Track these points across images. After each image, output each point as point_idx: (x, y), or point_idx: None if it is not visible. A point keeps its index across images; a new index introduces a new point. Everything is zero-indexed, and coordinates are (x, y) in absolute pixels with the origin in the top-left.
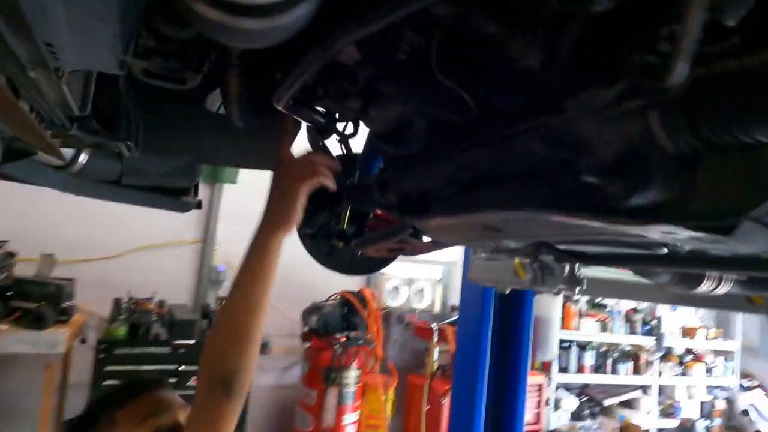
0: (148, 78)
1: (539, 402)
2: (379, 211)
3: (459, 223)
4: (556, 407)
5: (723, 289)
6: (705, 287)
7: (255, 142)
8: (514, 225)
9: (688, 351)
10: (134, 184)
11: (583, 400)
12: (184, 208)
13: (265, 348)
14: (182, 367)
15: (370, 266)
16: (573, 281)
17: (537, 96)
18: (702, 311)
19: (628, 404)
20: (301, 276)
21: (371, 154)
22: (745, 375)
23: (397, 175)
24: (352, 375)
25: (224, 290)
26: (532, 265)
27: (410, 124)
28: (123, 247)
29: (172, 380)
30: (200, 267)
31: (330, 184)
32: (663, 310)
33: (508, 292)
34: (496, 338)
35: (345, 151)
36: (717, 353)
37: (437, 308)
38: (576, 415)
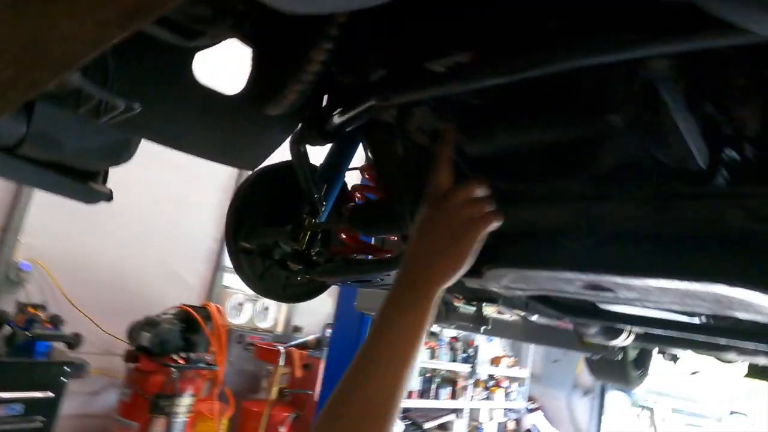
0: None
1: None
2: (343, 235)
3: (550, 276)
4: None
5: (629, 339)
6: (620, 339)
7: (241, 136)
8: (642, 290)
9: (491, 377)
10: (32, 157)
11: (408, 423)
12: (91, 197)
13: (81, 370)
14: None
15: (305, 293)
16: (480, 320)
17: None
18: (505, 341)
19: (443, 427)
20: (132, 284)
21: (338, 166)
22: (530, 398)
23: None
24: (184, 403)
25: (26, 295)
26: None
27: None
28: None
29: None
30: None
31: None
32: (480, 339)
33: None
34: None
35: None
36: (512, 379)
37: (280, 329)
38: None
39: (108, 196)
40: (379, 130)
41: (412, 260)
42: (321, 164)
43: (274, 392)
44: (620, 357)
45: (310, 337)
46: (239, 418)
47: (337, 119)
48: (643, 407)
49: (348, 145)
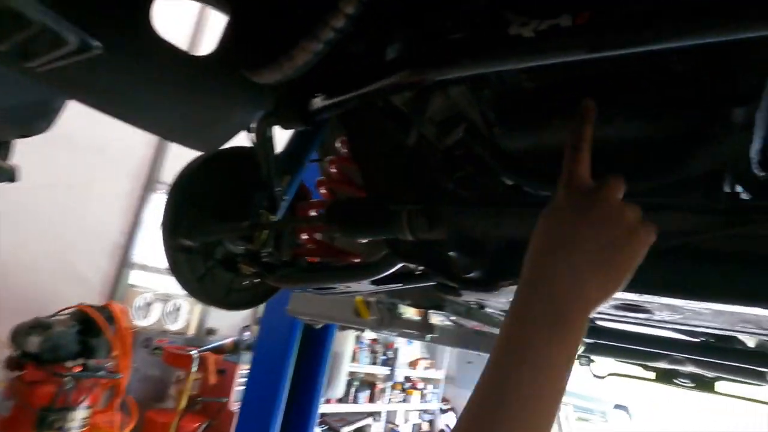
0: None
1: None
2: (305, 235)
3: None
4: None
5: (580, 349)
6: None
7: (204, 109)
8: (691, 313)
9: (407, 379)
10: None
11: (324, 429)
12: None
13: None
14: None
15: (251, 299)
16: (426, 327)
17: None
18: (423, 344)
19: (361, 430)
20: (20, 280)
21: (300, 156)
22: (444, 400)
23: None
24: (78, 416)
25: None
26: (378, 306)
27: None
28: None
29: None
30: None
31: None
32: (400, 342)
33: (320, 326)
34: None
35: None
36: (428, 381)
37: (192, 331)
38: None
39: (10, 176)
40: (374, 117)
41: (552, 273)
42: (280, 153)
43: (183, 400)
44: None
45: (227, 341)
46: (143, 429)
47: (323, 99)
48: None
49: (314, 132)
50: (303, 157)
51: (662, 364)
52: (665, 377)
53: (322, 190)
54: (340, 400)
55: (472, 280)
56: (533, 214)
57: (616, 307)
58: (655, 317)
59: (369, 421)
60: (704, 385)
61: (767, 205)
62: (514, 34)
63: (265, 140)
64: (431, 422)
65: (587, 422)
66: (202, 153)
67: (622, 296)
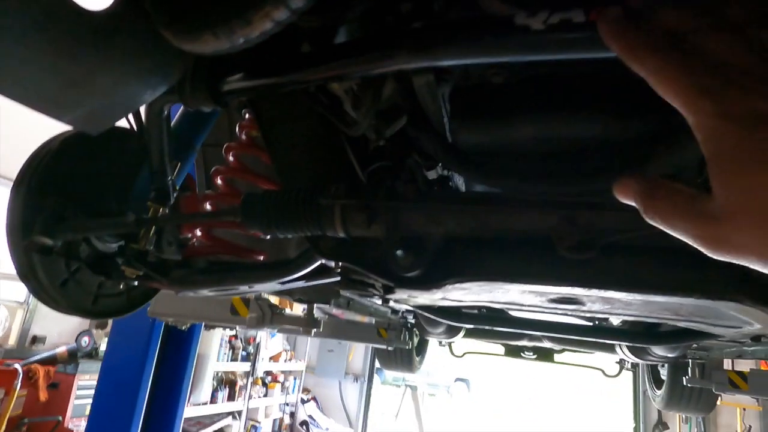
0: None
1: None
2: (198, 231)
3: (526, 289)
4: None
5: (461, 334)
6: (460, 335)
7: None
8: (621, 303)
9: (268, 373)
10: None
11: None
12: None
13: None
14: None
15: (124, 306)
16: (312, 323)
17: None
18: (284, 336)
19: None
20: None
21: (190, 142)
22: (305, 390)
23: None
24: None
25: None
26: (258, 302)
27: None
28: None
29: None
30: None
31: None
32: (262, 336)
33: (185, 328)
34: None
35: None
36: (288, 373)
37: (13, 341)
38: None
39: None
40: (302, 102)
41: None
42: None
43: (1, 425)
44: (409, 347)
45: (60, 349)
46: None
47: (243, 78)
48: (407, 386)
49: (207, 113)
50: (194, 142)
51: (521, 342)
52: (513, 351)
53: (218, 181)
54: (199, 403)
55: (413, 280)
56: (476, 210)
57: (552, 300)
58: (584, 308)
59: (229, 420)
60: (545, 356)
61: None
62: (521, 24)
63: (160, 120)
64: (292, 414)
65: (434, 396)
66: (63, 132)
67: (566, 290)
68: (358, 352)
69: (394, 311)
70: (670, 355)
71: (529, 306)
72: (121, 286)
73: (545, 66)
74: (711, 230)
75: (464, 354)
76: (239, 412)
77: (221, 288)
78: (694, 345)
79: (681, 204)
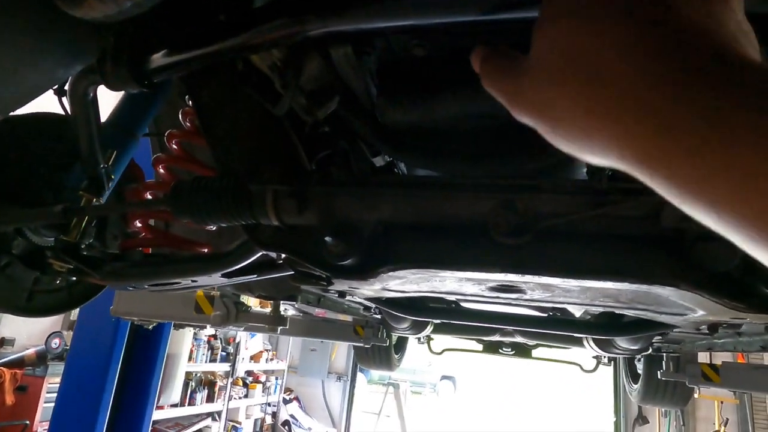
0: None
1: None
2: (138, 222)
3: (464, 277)
4: None
5: (429, 330)
6: (427, 330)
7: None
8: (562, 291)
9: (249, 373)
10: None
11: None
12: None
13: None
14: None
15: (63, 303)
16: (278, 320)
17: None
18: (265, 335)
19: None
20: None
21: (131, 128)
22: (287, 390)
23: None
24: None
25: None
26: (223, 300)
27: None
28: None
29: None
30: None
31: None
32: (242, 336)
33: (151, 327)
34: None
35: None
36: (270, 373)
37: None
38: None
39: None
40: (230, 82)
41: None
42: (105, 122)
43: None
44: (387, 344)
45: (28, 351)
46: None
47: (166, 55)
48: (390, 384)
49: (149, 99)
50: (134, 130)
51: (494, 338)
52: (491, 348)
53: (160, 170)
54: (174, 404)
55: (348, 269)
56: (411, 195)
57: (492, 288)
58: (526, 296)
59: (208, 422)
60: (523, 352)
61: (626, 187)
62: None
63: (85, 104)
64: (274, 414)
65: (420, 395)
66: None
67: (501, 277)
68: (342, 351)
69: (366, 308)
70: (632, 347)
71: (471, 295)
72: (58, 281)
73: (469, 38)
74: (512, 85)
75: (443, 351)
76: (219, 413)
77: (158, 282)
78: (657, 337)
79: (503, 65)
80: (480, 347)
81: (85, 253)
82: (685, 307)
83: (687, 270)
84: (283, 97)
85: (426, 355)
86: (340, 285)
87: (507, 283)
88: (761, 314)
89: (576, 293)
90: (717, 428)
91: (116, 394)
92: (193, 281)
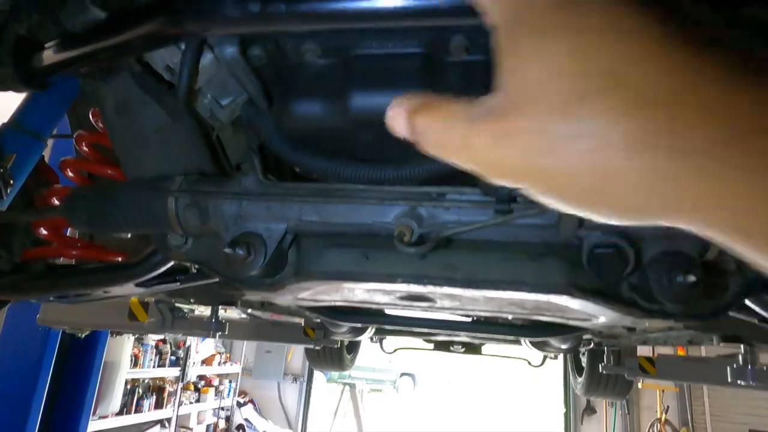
0: None
1: None
2: (44, 230)
3: (372, 288)
4: None
5: (371, 333)
6: (368, 333)
7: None
8: (469, 300)
9: (201, 377)
10: None
11: None
12: None
13: None
14: None
15: None
16: (217, 326)
17: None
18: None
19: None
20: None
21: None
22: (241, 393)
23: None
24: None
25: None
26: (158, 306)
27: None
28: None
29: None
30: None
31: None
32: (192, 340)
33: (83, 336)
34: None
35: None
36: (223, 376)
37: None
38: None
39: None
40: (129, 83)
41: None
42: (5, 124)
43: None
44: (338, 345)
45: None
46: None
47: (55, 53)
48: (346, 383)
49: (58, 97)
50: (40, 131)
51: (442, 337)
52: (442, 346)
53: (70, 173)
54: (119, 413)
55: (254, 280)
56: (317, 203)
57: (402, 298)
58: (437, 305)
59: (156, 429)
60: (473, 349)
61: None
62: None
63: None
64: (228, 418)
65: (380, 392)
66: None
67: (408, 288)
68: (298, 353)
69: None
70: (563, 347)
71: (386, 304)
72: None
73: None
74: (485, 141)
75: (395, 350)
76: (168, 420)
77: (60, 293)
78: (586, 336)
79: (452, 114)
80: (431, 345)
81: None
82: (586, 313)
83: (583, 278)
84: (176, 98)
85: (385, 353)
86: (252, 295)
87: (414, 293)
88: (657, 320)
89: (482, 302)
90: (659, 416)
91: (47, 406)
92: (105, 292)
